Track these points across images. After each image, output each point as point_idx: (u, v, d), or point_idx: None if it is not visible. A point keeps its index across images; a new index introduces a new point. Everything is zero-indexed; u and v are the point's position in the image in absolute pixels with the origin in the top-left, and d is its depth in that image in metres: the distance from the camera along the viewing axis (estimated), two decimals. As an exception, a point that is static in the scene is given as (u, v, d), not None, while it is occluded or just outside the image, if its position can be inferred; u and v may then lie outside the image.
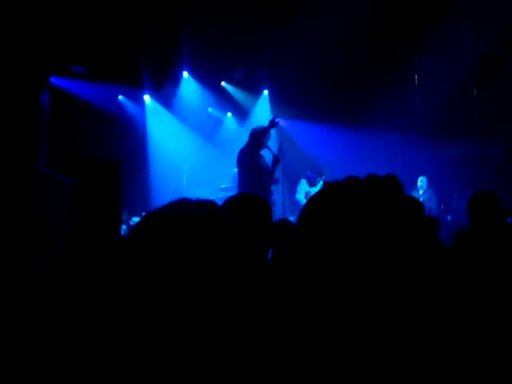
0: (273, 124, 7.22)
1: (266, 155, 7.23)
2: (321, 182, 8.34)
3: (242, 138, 9.50)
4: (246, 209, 2.69)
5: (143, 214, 9.31)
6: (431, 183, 9.22)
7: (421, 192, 9.20)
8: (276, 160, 7.15)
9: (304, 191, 8.24)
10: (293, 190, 8.72)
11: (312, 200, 2.11)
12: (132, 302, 1.61)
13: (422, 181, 9.23)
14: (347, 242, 1.99)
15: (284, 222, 3.69)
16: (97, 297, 1.92)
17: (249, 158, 7.01)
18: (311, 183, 8.29)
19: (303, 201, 8.10)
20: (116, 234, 6.69)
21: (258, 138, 7.07)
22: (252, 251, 2.58)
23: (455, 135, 9.64)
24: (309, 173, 8.37)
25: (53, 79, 9.00)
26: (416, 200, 3.34)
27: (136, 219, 9.07)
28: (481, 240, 3.99)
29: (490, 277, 2.54)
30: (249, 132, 7.36)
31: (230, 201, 2.78)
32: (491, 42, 8.55)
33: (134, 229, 1.65)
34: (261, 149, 7.13)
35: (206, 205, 1.96)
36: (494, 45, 8.60)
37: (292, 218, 9.00)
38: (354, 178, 2.66)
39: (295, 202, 8.43)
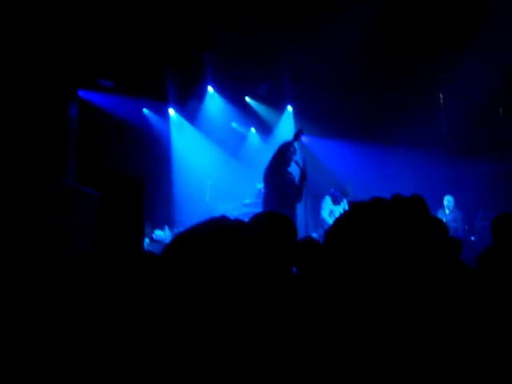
0: (297, 136, 7.21)
1: (294, 170, 7.22)
2: (345, 201, 8.28)
3: (266, 154, 9.56)
4: (272, 227, 2.71)
5: (166, 227, 9.43)
6: (457, 203, 9.13)
7: (447, 211, 9.12)
8: (303, 176, 7.13)
9: (328, 209, 8.18)
10: (315, 206, 8.70)
11: (338, 221, 2.14)
12: (159, 317, 1.65)
13: (448, 200, 9.11)
14: (371, 264, 2.02)
15: (308, 239, 3.72)
16: (122, 313, 1.95)
17: (274, 174, 7.00)
18: (335, 201, 8.22)
19: (328, 219, 8.05)
20: (139, 247, 6.77)
21: (283, 153, 7.06)
22: (277, 268, 2.67)
23: (481, 154, 9.56)
24: (332, 190, 8.33)
25: (81, 93, 9.12)
26: (440, 221, 3.33)
27: (158, 232, 9.14)
28: (505, 262, 3.94)
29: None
30: (274, 148, 7.35)
31: (255, 219, 2.84)
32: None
33: (165, 249, 1.72)
34: (287, 165, 7.11)
35: (233, 225, 2.03)
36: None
37: (315, 235, 9.00)
38: (380, 199, 2.68)
39: (319, 220, 8.37)
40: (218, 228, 2.00)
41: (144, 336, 1.72)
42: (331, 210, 8.11)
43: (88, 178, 5.75)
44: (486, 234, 8.74)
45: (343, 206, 8.21)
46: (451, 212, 9.05)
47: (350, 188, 8.38)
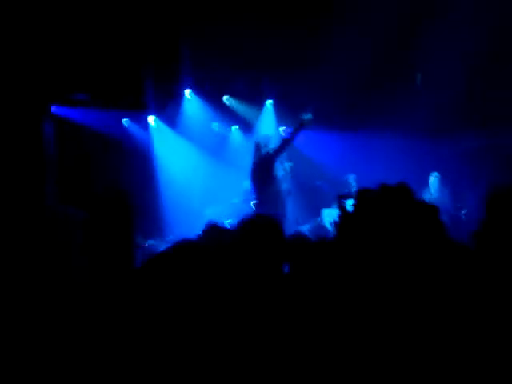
0: (299, 128, 7.14)
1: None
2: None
3: (249, 151, 9.49)
4: (258, 233, 2.86)
5: (156, 236, 9.36)
6: (444, 180, 9.09)
7: (433, 190, 9.06)
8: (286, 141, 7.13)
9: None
10: (305, 200, 8.69)
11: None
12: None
13: (432, 179, 9.07)
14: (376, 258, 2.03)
15: (299, 237, 3.73)
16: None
17: (255, 174, 7.01)
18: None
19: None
20: (131, 262, 6.68)
21: (260, 150, 7.10)
22: (265, 268, 2.75)
23: (466, 129, 9.53)
24: (318, 183, 8.30)
25: (55, 109, 9.00)
26: (428, 205, 3.27)
27: (151, 242, 9.07)
28: (498, 238, 3.90)
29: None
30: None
31: (242, 225, 3.00)
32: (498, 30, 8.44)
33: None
34: (268, 162, 7.08)
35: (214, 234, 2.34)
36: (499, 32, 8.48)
37: (307, 226, 8.98)
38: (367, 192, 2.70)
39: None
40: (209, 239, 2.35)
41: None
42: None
43: (70, 198, 5.65)
44: (477, 209, 8.75)
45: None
46: (438, 190, 8.99)
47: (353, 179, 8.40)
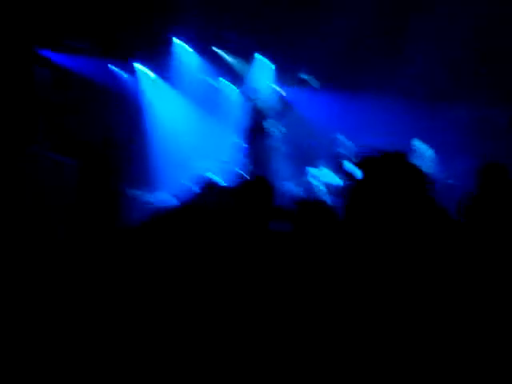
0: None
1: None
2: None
3: (240, 106, 9.41)
4: (254, 196, 3.10)
5: (143, 187, 9.32)
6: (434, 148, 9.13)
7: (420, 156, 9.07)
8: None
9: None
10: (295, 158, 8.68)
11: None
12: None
13: (416, 144, 9.08)
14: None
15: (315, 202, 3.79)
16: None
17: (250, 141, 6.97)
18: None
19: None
20: (118, 210, 6.70)
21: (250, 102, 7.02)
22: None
23: (456, 100, 9.53)
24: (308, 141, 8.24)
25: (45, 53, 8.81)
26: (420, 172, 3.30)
27: (137, 192, 9.04)
28: (490, 210, 3.96)
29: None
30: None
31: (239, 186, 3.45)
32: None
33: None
34: (264, 133, 7.01)
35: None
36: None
37: (290, 185, 9.02)
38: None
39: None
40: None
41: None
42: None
43: (61, 145, 5.60)
44: (465, 179, 8.83)
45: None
46: (420, 156, 9.00)
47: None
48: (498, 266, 2.25)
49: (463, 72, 9.37)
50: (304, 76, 7.04)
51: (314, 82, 7.09)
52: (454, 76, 9.34)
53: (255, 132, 6.91)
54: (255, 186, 3.24)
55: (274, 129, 7.10)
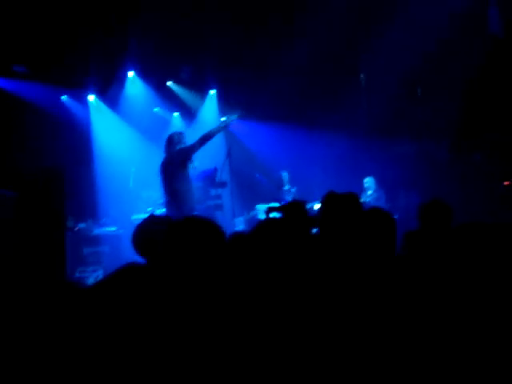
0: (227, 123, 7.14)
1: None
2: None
3: (189, 139, 9.38)
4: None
5: (89, 220, 9.15)
6: (379, 183, 9.29)
7: (369, 193, 9.25)
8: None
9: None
10: (243, 191, 8.67)
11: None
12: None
13: (368, 181, 9.27)
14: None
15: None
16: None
17: (166, 170, 7.00)
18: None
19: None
20: (62, 241, 6.50)
21: (172, 146, 7.09)
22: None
23: (401, 134, 9.76)
24: (257, 175, 8.29)
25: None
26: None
27: (82, 225, 8.87)
28: (432, 246, 4.00)
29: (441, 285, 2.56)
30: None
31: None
32: (433, 42, 8.65)
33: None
34: (183, 158, 7.02)
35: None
36: (434, 44, 8.70)
37: (241, 219, 8.99)
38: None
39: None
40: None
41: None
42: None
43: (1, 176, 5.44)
44: (408, 212, 8.99)
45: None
46: (374, 192, 9.19)
47: (285, 177, 8.39)
48: (436, 298, 2.28)
49: (402, 108, 9.63)
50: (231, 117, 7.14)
51: (237, 113, 7.16)
52: (394, 112, 9.59)
53: (176, 173, 6.90)
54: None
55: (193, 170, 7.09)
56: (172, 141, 7.15)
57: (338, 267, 2.21)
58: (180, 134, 7.26)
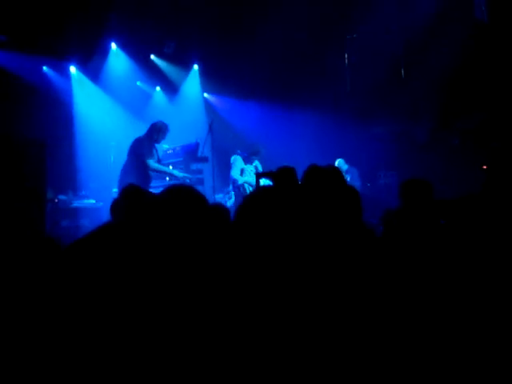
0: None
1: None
2: (256, 161, 8.23)
3: (171, 113, 9.35)
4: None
5: (69, 191, 9.08)
6: (356, 162, 9.34)
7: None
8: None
9: (239, 168, 8.05)
10: (224, 167, 8.63)
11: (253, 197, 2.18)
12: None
13: (338, 163, 9.25)
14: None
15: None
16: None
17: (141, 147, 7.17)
18: (246, 160, 8.13)
19: (239, 178, 7.94)
20: (41, 214, 6.47)
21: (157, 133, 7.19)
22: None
23: (382, 115, 9.81)
24: (239, 151, 8.25)
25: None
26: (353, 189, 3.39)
27: (62, 197, 8.80)
28: (412, 224, 4.05)
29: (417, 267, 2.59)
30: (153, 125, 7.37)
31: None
32: (419, 26, 8.69)
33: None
34: (157, 142, 7.34)
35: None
36: (420, 29, 8.74)
37: (220, 195, 8.97)
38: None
39: (231, 180, 8.21)
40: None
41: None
42: (242, 169, 8.01)
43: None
44: (388, 191, 9.08)
45: (255, 164, 8.17)
46: (345, 173, 9.19)
47: (260, 147, 8.34)
48: (416, 279, 2.31)
49: (384, 90, 9.67)
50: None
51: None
52: (376, 93, 9.63)
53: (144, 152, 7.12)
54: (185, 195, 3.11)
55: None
56: (154, 127, 7.26)
57: (320, 236, 2.21)
58: (165, 129, 7.34)
